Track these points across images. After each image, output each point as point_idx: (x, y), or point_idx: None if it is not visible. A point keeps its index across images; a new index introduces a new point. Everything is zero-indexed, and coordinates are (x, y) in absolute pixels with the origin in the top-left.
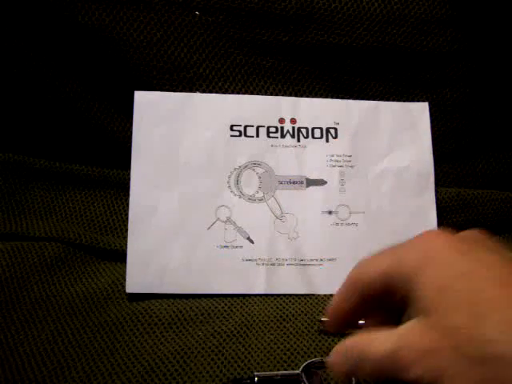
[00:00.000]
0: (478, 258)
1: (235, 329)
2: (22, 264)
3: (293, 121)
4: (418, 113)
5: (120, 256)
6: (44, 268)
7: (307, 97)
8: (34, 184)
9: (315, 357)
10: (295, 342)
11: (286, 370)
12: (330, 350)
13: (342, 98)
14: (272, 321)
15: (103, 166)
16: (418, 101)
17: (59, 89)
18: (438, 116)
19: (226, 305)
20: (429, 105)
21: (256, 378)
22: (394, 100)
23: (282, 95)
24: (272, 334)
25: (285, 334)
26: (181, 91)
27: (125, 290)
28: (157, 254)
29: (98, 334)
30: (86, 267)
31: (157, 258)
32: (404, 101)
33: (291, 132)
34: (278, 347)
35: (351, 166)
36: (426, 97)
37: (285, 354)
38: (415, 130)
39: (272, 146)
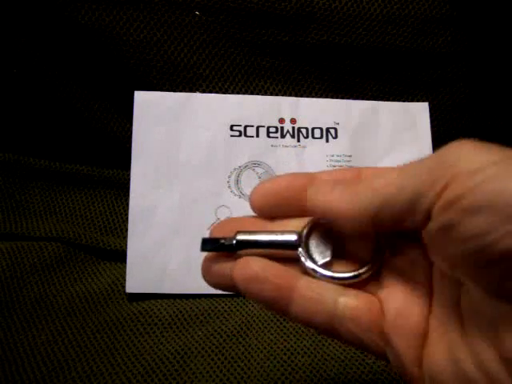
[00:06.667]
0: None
1: (235, 329)
2: (22, 264)
3: (293, 121)
4: (418, 113)
5: (120, 256)
6: (44, 268)
7: (307, 97)
8: (34, 184)
9: (315, 357)
10: (295, 342)
11: (286, 369)
12: (330, 350)
13: (342, 98)
14: (272, 321)
15: (103, 166)
16: (418, 101)
17: (59, 89)
18: (438, 116)
19: (226, 305)
20: (429, 105)
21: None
22: (393, 100)
23: (282, 95)
24: (272, 334)
25: (285, 333)
26: (181, 91)
27: (125, 290)
28: (157, 254)
29: (97, 334)
30: (86, 267)
31: (157, 258)
32: (404, 101)
33: (291, 132)
34: (278, 347)
35: (351, 166)
36: (426, 97)
37: (285, 353)
38: (415, 130)
39: (272, 146)
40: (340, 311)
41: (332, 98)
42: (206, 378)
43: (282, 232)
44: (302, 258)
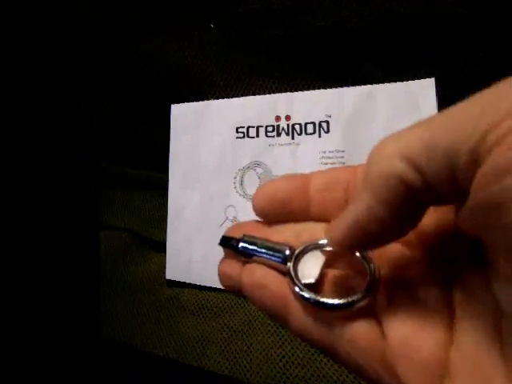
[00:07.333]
0: None
1: (240, 325)
2: (112, 248)
3: (288, 118)
4: (422, 92)
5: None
6: (120, 253)
7: (303, 90)
8: (113, 187)
9: (313, 363)
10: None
11: (284, 373)
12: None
13: (340, 85)
14: (269, 324)
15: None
16: (422, 77)
17: (113, 110)
18: (446, 94)
19: (233, 301)
20: (435, 81)
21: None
22: (394, 81)
23: (279, 92)
24: (269, 338)
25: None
26: (197, 100)
27: (165, 276)
28: (186, 248)
29: (150, 309)
30: (144, 254)
31: (186, 251)
32: (406, 80)
33: (286, 130)
34: (278, 348)
35: (343, 163)
36: (432, 72)
37: (284, 356)
38: (418, 114)
39: (269, 145)
40: (337, 329)
41: (330, 87)
42: (220, 363)
43: (276, 244)
44: (289, 277)
